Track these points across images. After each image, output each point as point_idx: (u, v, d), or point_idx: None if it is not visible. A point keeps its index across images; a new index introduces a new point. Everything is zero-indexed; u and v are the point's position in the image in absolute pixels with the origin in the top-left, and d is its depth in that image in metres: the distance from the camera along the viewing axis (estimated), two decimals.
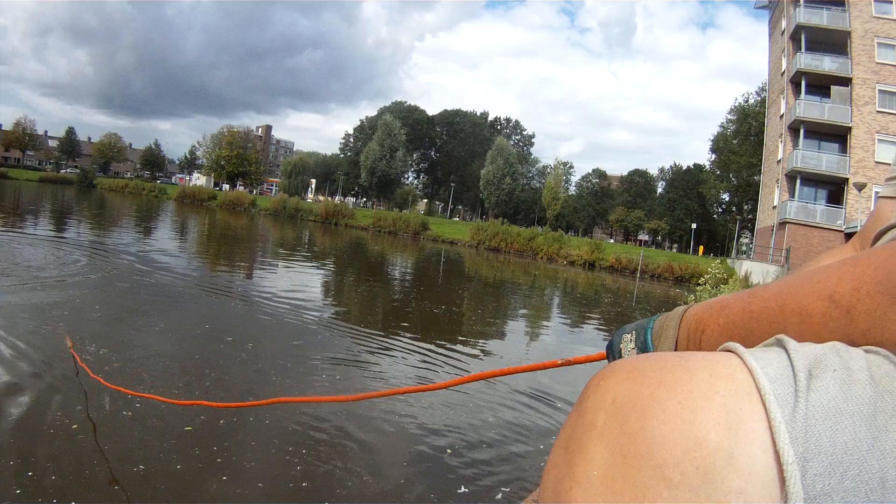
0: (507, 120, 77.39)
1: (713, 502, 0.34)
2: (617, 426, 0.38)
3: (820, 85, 24.29)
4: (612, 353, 0.63)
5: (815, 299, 0.42)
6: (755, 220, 33.80)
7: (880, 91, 22.85)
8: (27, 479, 1.97)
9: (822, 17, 24.32)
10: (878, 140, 22.55)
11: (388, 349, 4.93)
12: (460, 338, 5.96)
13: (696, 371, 0.37)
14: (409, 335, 5.63)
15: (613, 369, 0.41)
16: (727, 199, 50.36)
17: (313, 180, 76.80)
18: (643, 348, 0.58)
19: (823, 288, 0.42)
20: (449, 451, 2.81)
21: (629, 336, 0.60)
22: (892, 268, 0.39)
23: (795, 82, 25.33)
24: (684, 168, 60.23)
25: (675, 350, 0.54)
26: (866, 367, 0.37)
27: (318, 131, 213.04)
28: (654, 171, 66.22)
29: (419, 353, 4.91)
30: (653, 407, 0.37)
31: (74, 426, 2.46)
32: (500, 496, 2.44)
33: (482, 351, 5.44)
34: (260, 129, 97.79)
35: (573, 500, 0.38)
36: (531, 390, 3.95)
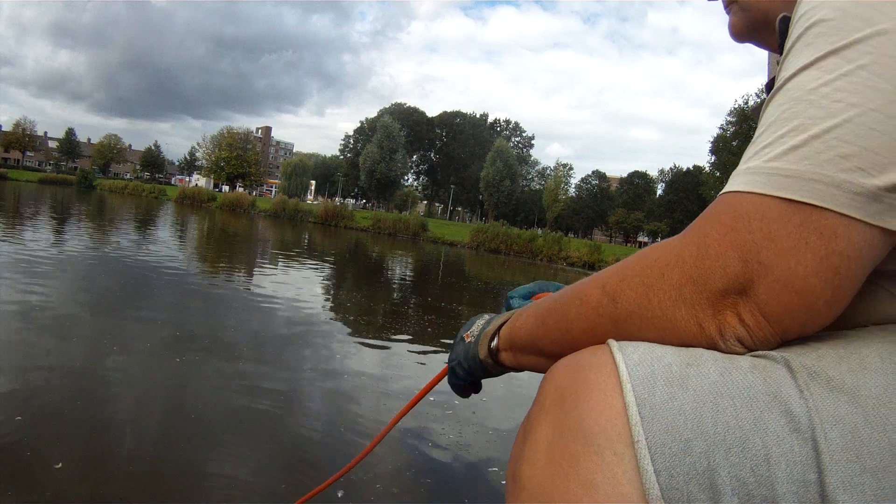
0: (507, 122, 77.62)
1: (636, 467, 0.36)
2: (557, 406, 0.42)
3: None
4: (468, 326, 0.67)
5: (592, 287, 0.47)
6: None
7: None
8: None
9: None
10: None
11: (386, 351, 4.92)
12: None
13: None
14: (407, 336, 5.61)
15: (559, 363, 0.46)
16: None
17: (313, 182, 76.95)
18: (488, 323, 0.64)
19: (600, 278, 0.47)
20: (442, 432, 2.81)
21: (487, 317, 0.66)
22: (645, 261, 0.44)
23: None
24: (684, 170, 60.31)
25: (505, 324, 0.60)
26: (749, 360, 0.40)
27: (318, 132, 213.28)
28: (654, 173, 66.32)
29: (417, 354, 4.90)
30: (584, 386, 0.41)
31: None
32: (494, 481, 2.43)
33: None
34: (259, 131, 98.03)
35: (522, 476, 0.42)
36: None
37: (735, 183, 0.42)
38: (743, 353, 0.40)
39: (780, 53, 0.49)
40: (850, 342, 0.40)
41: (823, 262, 0.37)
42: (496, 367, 0.61)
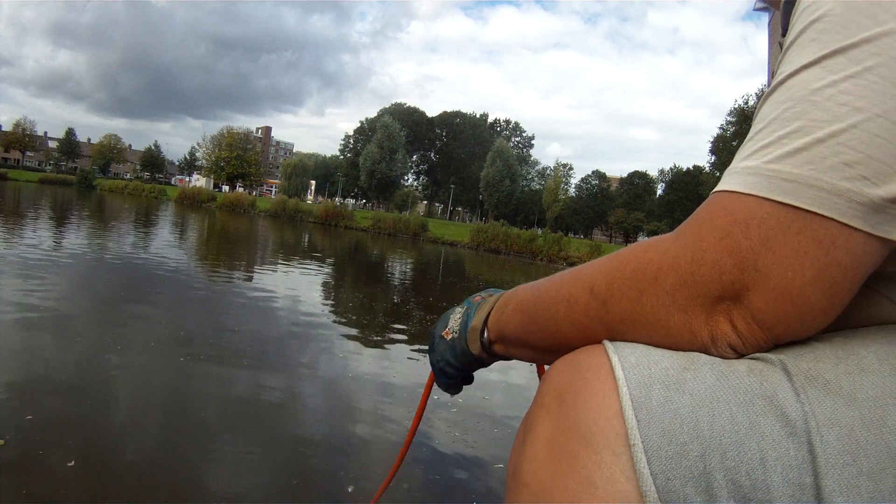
0: (507, 122, 77.68)
1: (633, 467, 0.37)
2: (556, 405, 0.42)
3: None
4: (443, 324, 0.66)
5: (580, 289, 0.46)
6: None
7: None
8: None
9: None
10: None
11: (387, 351, 4.94)
12: None
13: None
14: (408, 336, 5.62)
15: (557, 364, 0.46)
16: None
17: (313, 182, 76.95)
18: (466, 316, 0.62)
19: (587, 279, 0.46)
20: (448, 430, 2.84)
21: (460, 310, 0.65)
22: (637, 264, 0.43)
23: None
24: (684, 170, 60.34)
25: (489, 316, 0.59)
26: (746, 363, 0.40)
27: (318, 132, 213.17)
28: (654, 173, 66.37)
29: (418, 354, 4.92)
30: (582, 387, 0.41)
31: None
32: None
33: None
34: (259, 131, 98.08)
35: (524, 473, 0.43)
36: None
37: (731, 182, 0.40)
38: (735, 358, 0.40)
39: (784, 33, 0.47)
40: (847, 343, 0.40)
41: (821, 272, 0.37)
42: (490, 358, 0.62)
